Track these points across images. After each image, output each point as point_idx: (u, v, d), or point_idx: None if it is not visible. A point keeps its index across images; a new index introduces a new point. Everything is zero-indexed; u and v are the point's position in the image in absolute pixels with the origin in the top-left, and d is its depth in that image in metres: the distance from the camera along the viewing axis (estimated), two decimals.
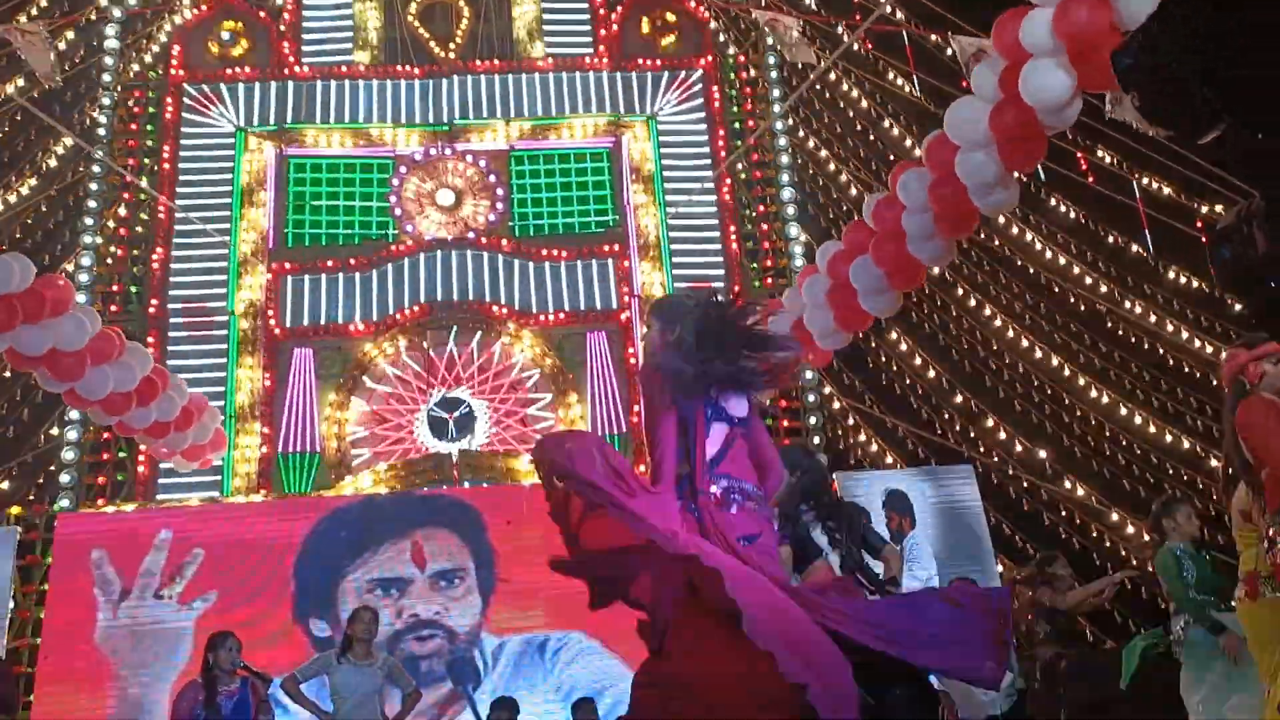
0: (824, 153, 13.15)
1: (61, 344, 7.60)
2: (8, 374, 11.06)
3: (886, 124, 13.29)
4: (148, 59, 12.62)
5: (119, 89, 12.37)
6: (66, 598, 9.06)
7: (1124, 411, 11.98)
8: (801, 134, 13.23)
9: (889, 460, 11.91)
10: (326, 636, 8.91)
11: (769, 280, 12.21)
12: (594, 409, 11.57)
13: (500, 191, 12.41)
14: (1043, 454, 11.80)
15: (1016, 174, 6.59)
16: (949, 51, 9.29)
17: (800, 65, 11.58)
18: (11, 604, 9.40)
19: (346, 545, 9.43)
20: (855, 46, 12.28)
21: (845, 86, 13.32)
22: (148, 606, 8.99)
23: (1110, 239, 12.75)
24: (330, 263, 12.01)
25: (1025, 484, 11.79)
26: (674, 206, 12.42)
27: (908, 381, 12.43)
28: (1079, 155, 12.30)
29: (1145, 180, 12.15)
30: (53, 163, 12.21)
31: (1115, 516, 11.46)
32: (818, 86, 13.17)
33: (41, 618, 9.34)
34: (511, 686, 8.64)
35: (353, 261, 12.00)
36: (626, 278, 12.19)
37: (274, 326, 11.72)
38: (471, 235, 12.14)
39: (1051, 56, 5.63)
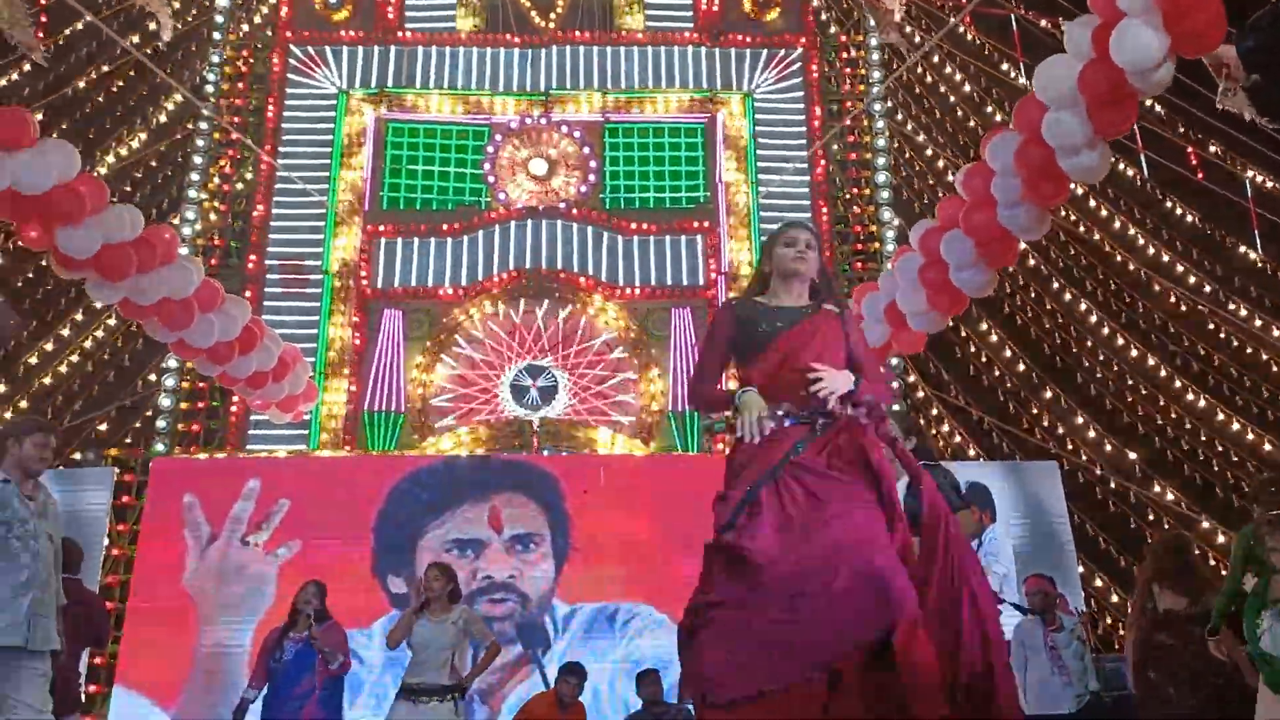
0: (922, 136, 12.91)
1: (171, 293, 7.83)
2: (111, 321, 11.50)
3: (989, 109, 12.98)
4: (257, 20, 12.91)
5: (228, 48, 12.69)
6: (158, 539, 9.40)
7: (1220, 416, 11.58)
8: (900, 117, 12.99)
9: (971, 453, 11.71)
10: (402, 594, 9.10)
11: (859, 264, 12.05)
12: (675, 385, 11.57)
13: (593, 163, 12.44)
14: (1133, 455, 11.48)
15: (1106, 141, 6.38)
16: (1061, 37, 9.01)
17: (894, 46, 11.37)
18: (106, 541, 9.81)
19: (426, 505, 9.61)
20: (960, 29, 12.00)
21: (948, 69, 13.03)
22: (234, 552, 9.28)
23: (1217, 237, 12.31)
24: (423, 226, 12.19)
25: (1113, 485, 11.49)
26: (766, 184, 12.31)
27: (996, 373, 12.18)
28: (1188, 150, 11.87)
29: (1256, 177, 11.68)
30: (162, 119, 12.61)
31: (1206, 524, 11.10)
32: (919, 69, 12.92)
33: (134, 556, 9.71)
34: (580, 653, 8.71)
35: (445, 226, 12.16)
36: (715, 254, 12.14)
37: (365, 286, 11.95)
38: (563, 205, 12.21)
39: (1144, 16, 5.42)
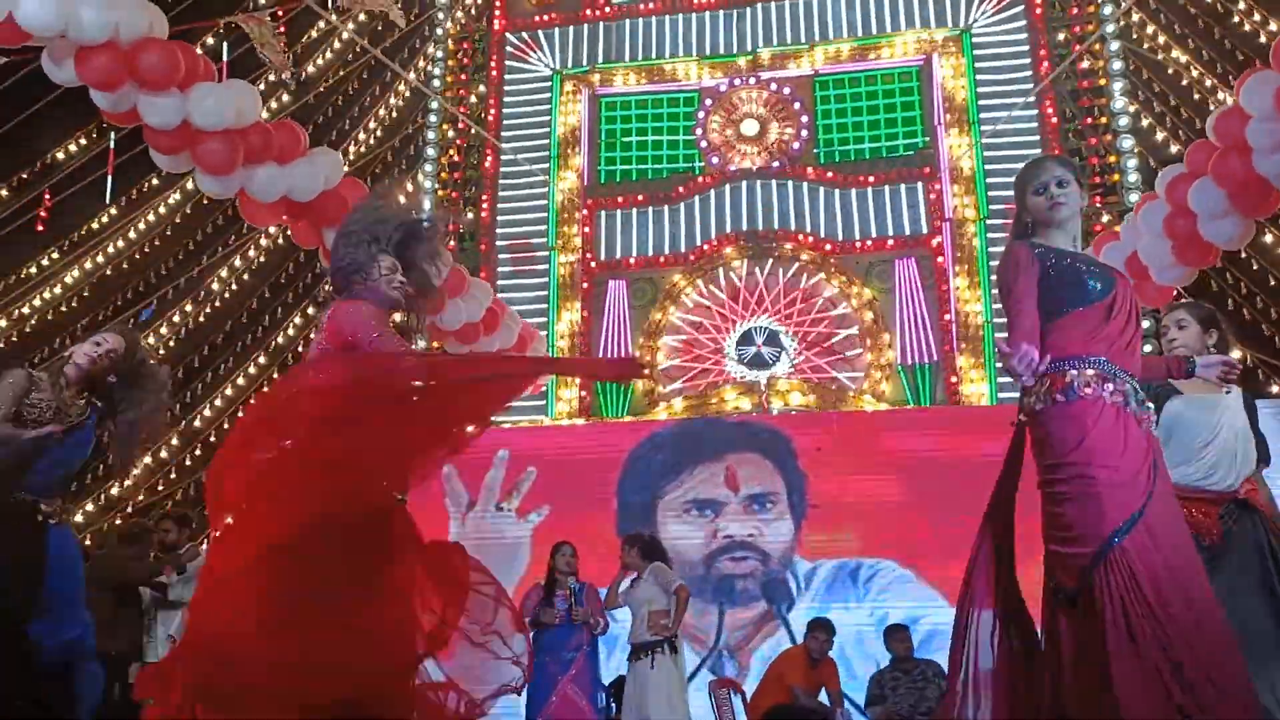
0: (1161, 56, 11.99)
1: None
2: None
3: (1235, 19, 11.90)
4: (473, 11, 13.48)
5: (449, 42, 13.33)
6: (421, 508, 10.07)
7: None
8: (1135, 36, 12.12)
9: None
10: None
11: (1097, 198, 11.38)
12: (903, 338, 11.35)
13: (805, 119, 12.29)
14: None
15: None
16: None
17: None
18: None
19: (663, 467, 9.87)
20: None
21: None
22: (490, 518, 9.86)
23: None
24: (641, 197, 12.43)
25: None
26: (989, 124, 11.81)
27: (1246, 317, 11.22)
28: None
29: None
30: (394, 114, 13.40)
31: None
32: None
33: None
34: (825, 609, 8.75)
35: (662, 195, 12.37)
36: (938, 202, 11.78)
37: (590, 260, 12.33)
38: (777, 164, 12.15)
39: None
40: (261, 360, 12.63)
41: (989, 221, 11.54)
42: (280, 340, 12.59)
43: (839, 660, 7.96)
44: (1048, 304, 3.18)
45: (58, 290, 11.99)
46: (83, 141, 11.51)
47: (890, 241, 11.73)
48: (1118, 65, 11.67)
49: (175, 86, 6.52)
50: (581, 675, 6.84)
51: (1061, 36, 12.08)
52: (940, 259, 11.57)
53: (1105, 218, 10.92)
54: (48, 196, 11.28)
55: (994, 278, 11.06)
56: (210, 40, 11.05)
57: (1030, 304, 3.17)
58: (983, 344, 11.20)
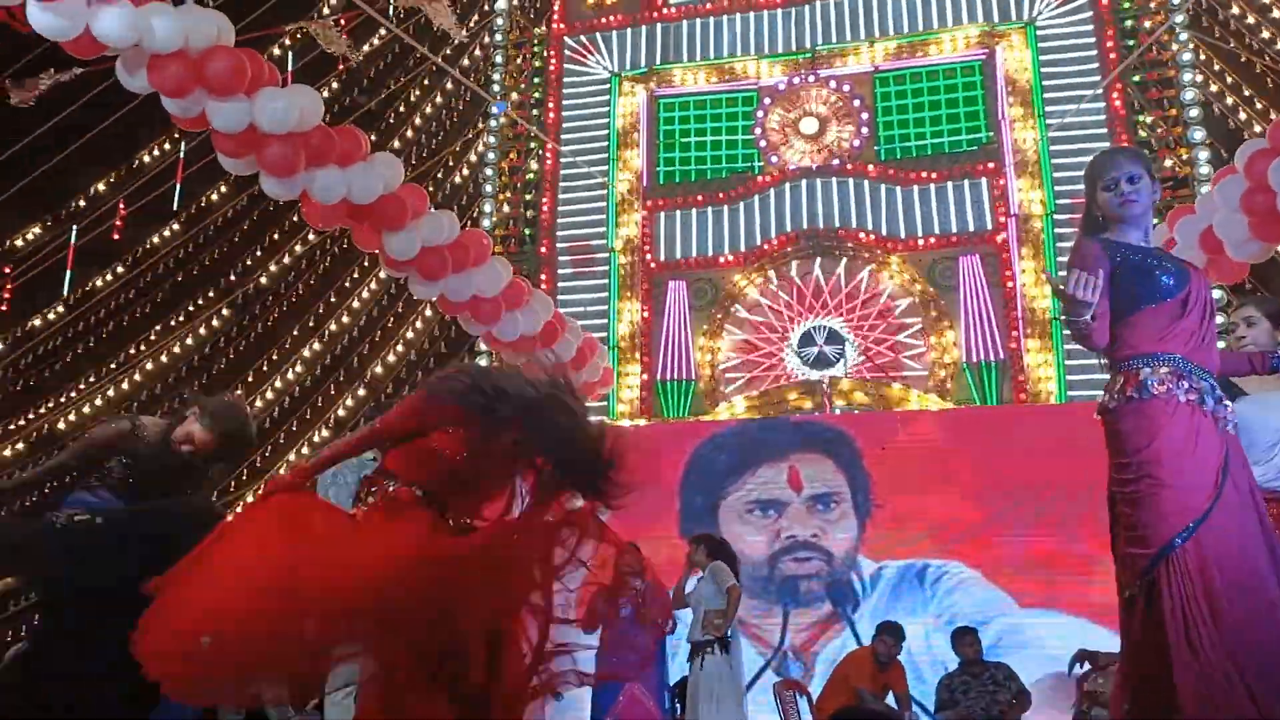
0: (1233, 44, 11.67)
1: (482, 291, 8.49)
2: (428, 313, 12.52)
3: None
4: (532, 15, 13.58)
5: (509, 48, 13.42)
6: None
7: None
8: (1205, 23, 11.81)
9: None
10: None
11: (1166, 191, 11.11)
12: (968, 335, 11.19)
13: (865, 115, 12.18)
14: None
15: None
16: None
17: None
18: None
19: (725, 468, 9.84)
20: None
21: None
22: None
23: None
24: (700, 197, 12.41)
25: None
26: (1055, 118, 11.59)
27: None
28: None
29: None
30: (455, 118, 13.55)
31: None
32: None
33: None
34: (890, 611, 8.66)
35: (721, 195, 12.33)
36: (1003, 197, 11.59)
37: (650, 261, 12.34)
38: (836, 162, 12.05)
39: None
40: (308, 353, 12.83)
41: (1056, 216, 11.33)
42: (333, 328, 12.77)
43: (905, 663, 7.86)
44: (1119, 301, 3.13)
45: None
46: (155, 152, 11.77)
47: (953, 238, 11.58)
48: (1187, 55, 11.39)
49: (242, 91, 6.66)
50: (648, 675, 6.84)
51: (1129, 25, 11.82)
52: (1006, 254, 11.39)
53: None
54: (122, 207, 11.57)
55: (1064, 273, 10.88)
56: (277, 51, 11.27)
57: (1101, 301, 3.12)
58: (1051, 340, 11.00)
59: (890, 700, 7.59)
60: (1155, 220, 5.07)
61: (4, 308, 11.61)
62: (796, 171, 12.10)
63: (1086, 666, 7.05)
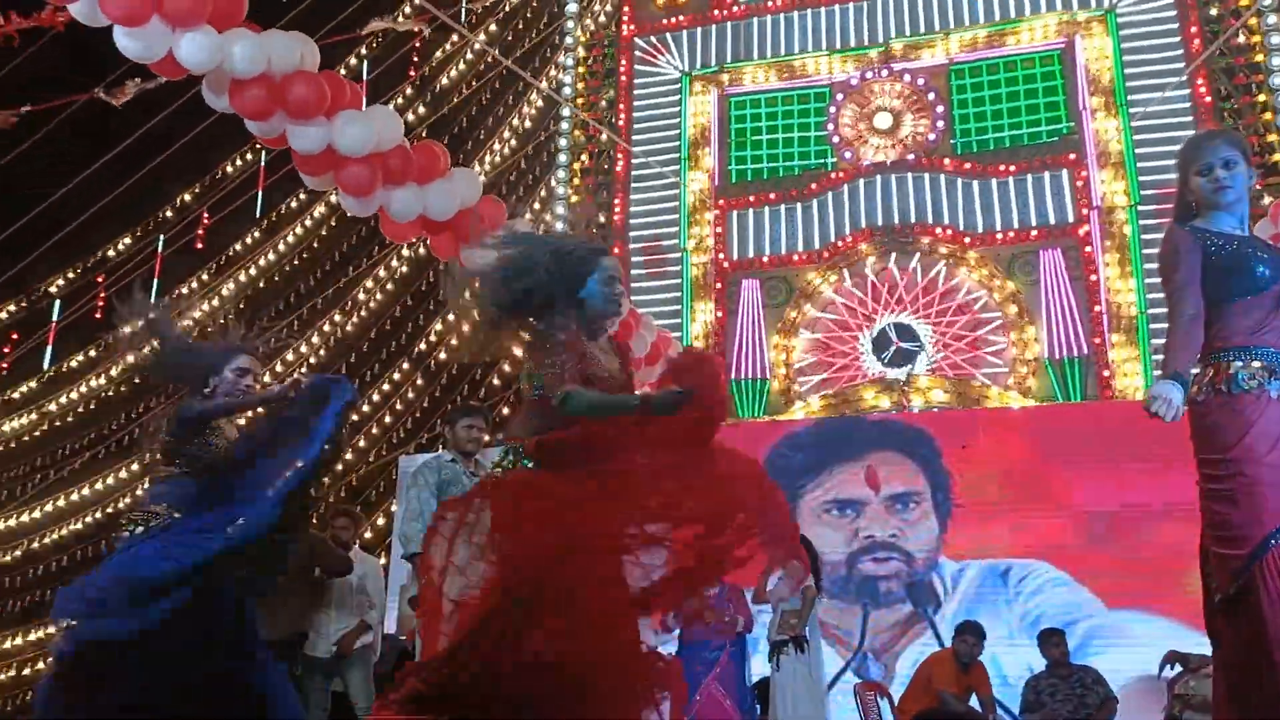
0: None
1: None
2: None
3: None
4: (601, 19, 13.63)
5: (579, 49, 13.50)
6: None
7: None
8: None
9: None
10: None
11: (1259, 181, 10.75)
12: (1050, 331, 10.95)
13: (940, 109, 12.00)
14: None
15: None
16: None
17: None
18: None
19: (802, 467, 9.77)
20: None
21: None
22: None
23: None
24: (773, 195, 12.34)
25: None
26: (1138, 106, 11.29)
27: None
28: None
29: None
30: (527, 124, 13.66)
31: None
32: None
33: None
34: (973, 612, 8.52)
35: (794, 193, 12.25)
36: (1085, 189, 11.32)
37: (723, 260, 12.31)
38: (912, 156, 11.89)
39: None
40: (405, 367, 13.06)
41: (1141, 208, 11.03)
42: (423, 347, 12.97)
43: (989, 665, 7.72)
44: (1212, 291, 3.04)
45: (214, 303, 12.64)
46: (238, 162, 12.09)
47: (1034, 231, 11.34)
48: (1276, 39, 11.00)
49: (321, 115, 6.79)
50: (726, 675, 6.82)
51: (1214, 11, 11.47)
52: (1089, 248, 11.12)
53: (1265, 200, 10.31)
54: (206, 217, 11.90)
55: (1149, 266, 10.61)
56: (353, 61, 11.50)
57: (1192, 292, 3.04)
58: (1137, 335, 10.71)
59: (974, 702, 7.46)
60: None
61: (98, 315, 12.01)
62: (871, 167, 11.97)
63: (1178, 669, 6.85)
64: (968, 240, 11.42)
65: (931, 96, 12.03)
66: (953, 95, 12.16)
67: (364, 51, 11.97)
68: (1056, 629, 7.75)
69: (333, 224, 13.02)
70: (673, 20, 13.27)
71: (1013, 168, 11.57)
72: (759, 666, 7.24)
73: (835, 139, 12.26)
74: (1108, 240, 11.04)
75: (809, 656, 6.81)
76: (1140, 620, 8.38)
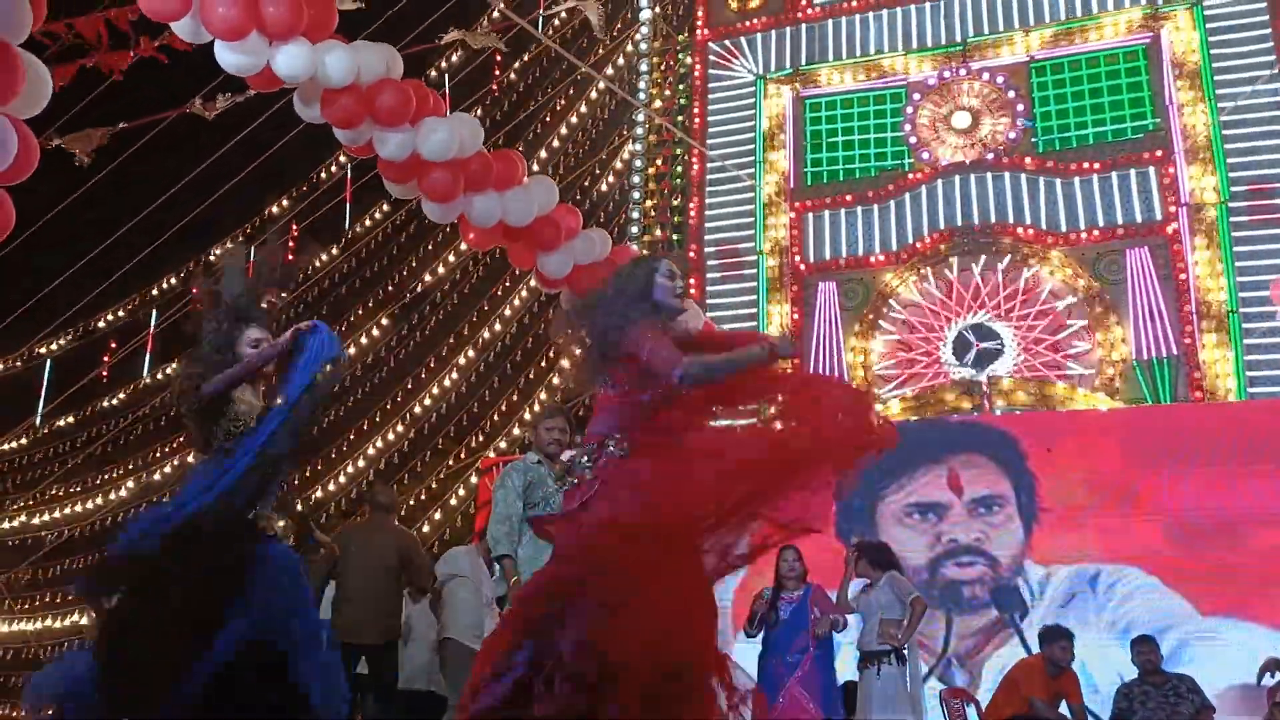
0: None
1: None
2: None
3: None
4: (674, 22, 13.70)
5: (654, 56, 13.58)
6: None
7: None
8: None
9: None
10: None
11: None
12: (1137, 331, 10.71)
13: (1020, 107, 11.82)
14: None
15: None
16: None
17: None
18: None
19: (882, 470, 9.66)
20: None
21: None
22: None
23: None
24: (849, 197, 12.27)
25: None
26: (1228, 101, 10.99)
27: None
28: None
29: None
30: (600, 127, 13.78)
31: None
32: None
33: None
34: (1060, 618, 8.36)
35: (871, 194, 12.16)
36: (1172, 185, 11.05)
37: (799, 263, 12.26)
38: (991, 156, 11.73)
39: None
40: (481, 369, 13.23)
41: (1231, 204, 10.74)
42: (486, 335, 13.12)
43: (1078, 672, 7.58)
44: None
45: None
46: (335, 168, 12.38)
47: (1119, 230, 11.11)
48: None
49: (406, 121, 6.95)
50: (809, 677, 6.78)
51: None
52: (1177, 245, 10.86)
53: None
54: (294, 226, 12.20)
55: (1241, 263, 10.35)
56: (433, 74, 11.70)
57: None
58: (1229, 333, 10.42)
59: (1063, 709, 7.33)
60: None
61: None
62: (949, 167, 11.83)
63: (1278, 676, 6.68)
64: (1050, 240, 11.23)
65: (1012, 94, 11.85)
66: (1033, 93, 11.97)
67: (443, 64, 12.16)
68: (1148, 636, 7.57)
69: (411, 231, 13.27)
70: (747, 23, 13.27)
71: (1097, 165, 11.35)
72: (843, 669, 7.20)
73: (913, 139, 12.15)
74: (1197, 237, 10.76)
75: (908, 669, 6.73)
76: (1236, 627, 8.17)
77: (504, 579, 5.66)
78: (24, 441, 13.50)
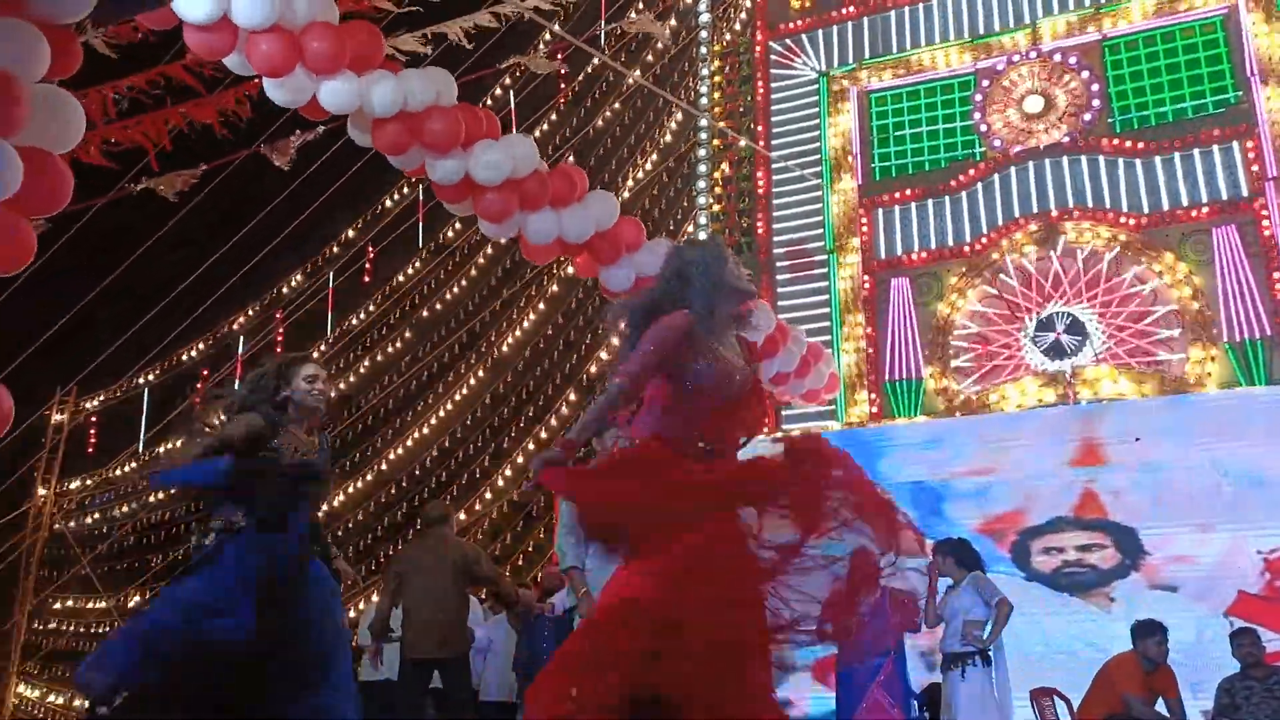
0: None
1: None
2: None
3: None
4: (736, 27, 13.65)
5: (715, 59, 13.55)
6: None
7: None
8: None
9: None
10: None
11: None
12: (1228, 313, 10.29)
13: (1095, 87, 11.48)
14: None
15: None
16: None
17: None
18: None
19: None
20: None
21: None
22: None
23: None
24: (919, 189, 12.06)
25: None
26: None
27: None
28: None
29: None
30: (668, 138, 13.80)
31: None
32: None
33: None
34: (1154, 612, 8.04)
35: (941, 186, 11.94)
36: (1258, 160, 10.61)
37: (871, 259, 12.09)
38: (1066, 139, 11.41)
39: None
40: (556, 382, 13.36)
41: None
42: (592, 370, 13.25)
43: (1174, 667, 7.30)
44: None
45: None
46: (405, 190, 12.65)
47: (1205, 209, 10.70)
48: None
49: (458, 146, 7.06)
50: (891, 681, 6.67)
51: None
52: (1266, 221, 10.42)
53: None
54: (371, 249, 12.50)
55: None
56: (498, 92, 11.89)
57: None
58: None
59: (1160, 706, 7.07)
60: None
61: (278, 350, 12.78)
62: (1022, 154, 11.55)
63: None
64: (1131, 223, 10.88)
65: (1085, 75, 11.53)
66: (1108, 72, 11.61)
67: (507, 81, 12.33)
68: (1249, 628, 7.29)
69: (489, 250, 13.47)
70: (807, 21, 13.15)
71: (1177, 143, 10.96)
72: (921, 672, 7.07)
73: (983, 127, 11.90)
74: None
75: (995, 672, 6.58)
76: None
77: (573, 591, 5.70)
78: (131, 467, 14.09)
